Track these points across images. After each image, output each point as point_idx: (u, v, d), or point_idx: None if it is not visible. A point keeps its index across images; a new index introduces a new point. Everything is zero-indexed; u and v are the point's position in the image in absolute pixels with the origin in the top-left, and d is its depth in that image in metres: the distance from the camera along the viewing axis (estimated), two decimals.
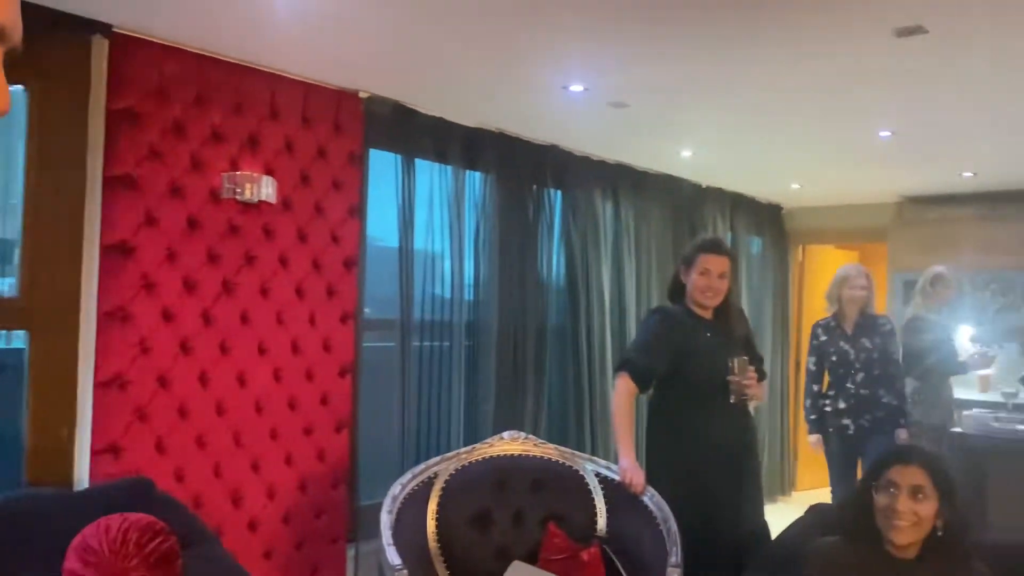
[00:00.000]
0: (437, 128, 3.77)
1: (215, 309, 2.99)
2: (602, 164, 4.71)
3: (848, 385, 3.93)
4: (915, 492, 1.90)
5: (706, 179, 5.47)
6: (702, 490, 2.88)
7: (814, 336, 4.14)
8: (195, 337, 2.91)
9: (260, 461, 3.13)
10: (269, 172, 3.13)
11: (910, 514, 1.88)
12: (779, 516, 3.17)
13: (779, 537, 2.47)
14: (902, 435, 3.84)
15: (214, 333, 2.99)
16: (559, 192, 4.50)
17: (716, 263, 2.96)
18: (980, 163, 4.77)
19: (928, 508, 1.89)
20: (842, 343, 3.98)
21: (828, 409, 4.01)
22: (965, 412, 3.86)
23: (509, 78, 3.28)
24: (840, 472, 4.01)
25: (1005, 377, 5.29)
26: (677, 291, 3.11)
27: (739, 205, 5.92)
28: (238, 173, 3.02)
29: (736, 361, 2.90)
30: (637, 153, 4.69)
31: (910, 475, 1.91)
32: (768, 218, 6.32)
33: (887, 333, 3.94)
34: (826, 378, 4.07)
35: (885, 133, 4.02)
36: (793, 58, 2.96)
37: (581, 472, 2.79)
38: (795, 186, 5.67)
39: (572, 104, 3.56)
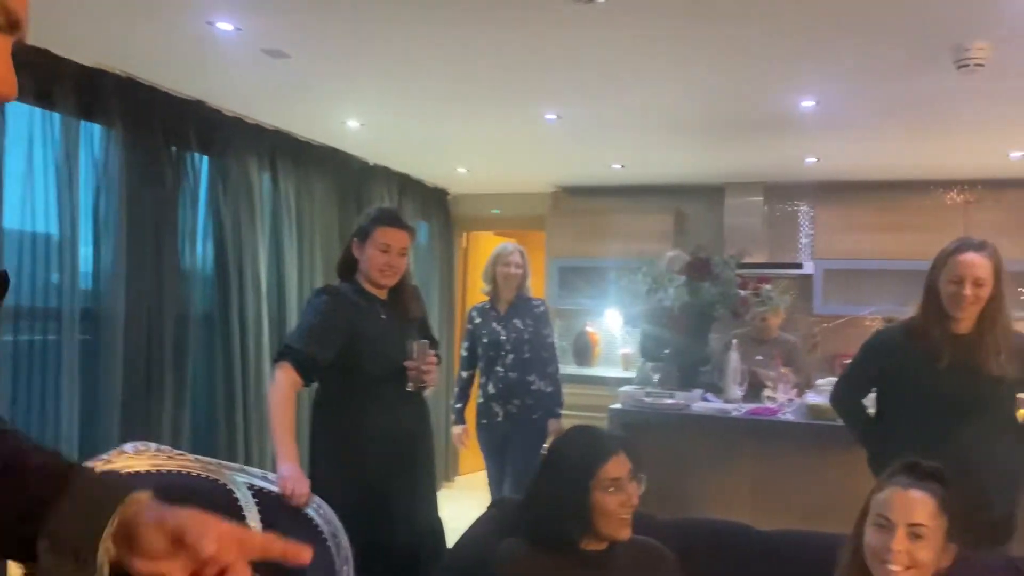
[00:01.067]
0: (40, 63, 2.95)
1: None
2: (259, 129, 4.16)
3: (497, 368, 3.77)
4: (631, 480, 1.77)
5: (374, 156, 5.16)
6: (376, 493, 2.56)
7: (469, 320, 3.95)
8: None
9: None
10: None
11: (631, 505, 1.75)
12: (444, 504, 2.96)
13: (463, 538, 2.22)
14: (553, 426, 3.76)
15: None
16: (205, 158, 3.87)
17: (397, 237, 2.65)
18: (628, 156, 5.07)
19: (637, 490, 1.78)
20: (494, 324, 3.81)
21: (480, 397, 3.85)
22: (620, 388, 4.00)
23: (138, 3, 2.64)
24: (495, 462, 3.84)
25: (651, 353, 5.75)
26: (348, 268, 2.74)
27: (407, 187, 5.71)
28: None
29: (416, 344, 2.62)
30: (299, 118, 4.21)
31: (623, 465, 1.76)
32: (435, 203, 6.20)
33: (541, 316, 3.86)
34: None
35: (551, 116, 4.03)
36: (468, 22, 2.74)
37: (230, 486, 2.29)
38: (461, 170, 5.60)
39: (220, 47, 3.00)
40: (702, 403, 3.77)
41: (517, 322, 3.81)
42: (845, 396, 2.74)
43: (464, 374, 3.94)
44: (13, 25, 0.63)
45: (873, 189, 5.70)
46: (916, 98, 3.61)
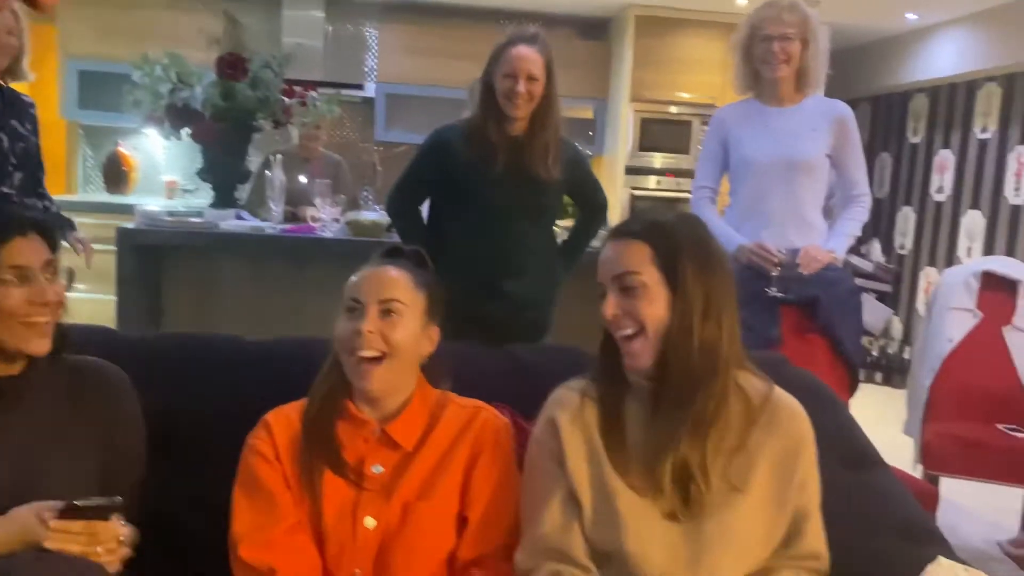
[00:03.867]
0: None
1: None
2: None
3: (4, 189, 2.64)
4: (50, 274, 1.29)
5: None
6: None
7: None
8: None
9: None
10: None
11: (45, 305, 1.28)
12: None
13: None
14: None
15: None
16: None
17: None
18: None
19: (58, 289, 1.30)
20: None
21: None
22: (138, 207, 3.34)
23: None
24: None
25: (189, 176, 5.09)
26: None
27: None
28: None
29: None
30: None
31: (35, 251, 1.28)
32: None
33: (35, 119, 2.77)
34: None
35: None
36: None
37: None
38: None
39: None
40: (235, 222, 3.31)
41: (16, 124, 2.65)
42: (401, 202, 2.48)
43: None
44: None
45: (439, 14, 5.53)
46: None
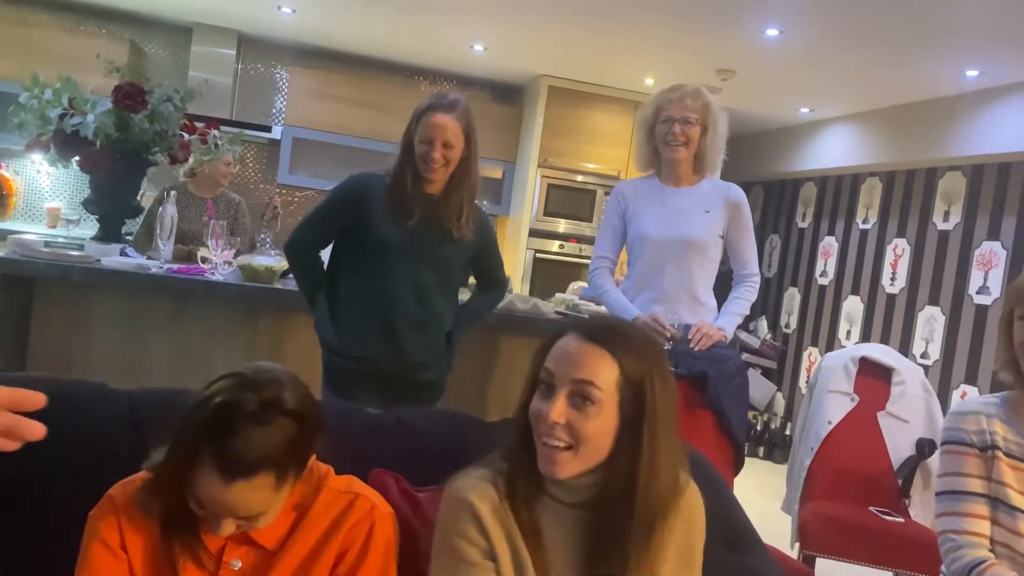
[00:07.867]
0: None
1: None
2: None
3: None
4: None
5: None
6: None
7: None
8: None
9: None
10: None
11: None
12: None
13: None
14: None
15: None
16: None
17: None
18: None
19: None
20: None
21: None
22: (12, 236, 3.12)
23: None
24: None
25: (74, 206, 4.85)
26: None
27: None
28: None
29: None
30: None
31: None
32: None
33: None
34: None
35: None
36: None
37: None
38: None
39: None
40: (118, 258, 3.13)
41: None
42: (303, 244, 2.38)
43: None
44: None
45: (351, 63, 5.52)
46: None
